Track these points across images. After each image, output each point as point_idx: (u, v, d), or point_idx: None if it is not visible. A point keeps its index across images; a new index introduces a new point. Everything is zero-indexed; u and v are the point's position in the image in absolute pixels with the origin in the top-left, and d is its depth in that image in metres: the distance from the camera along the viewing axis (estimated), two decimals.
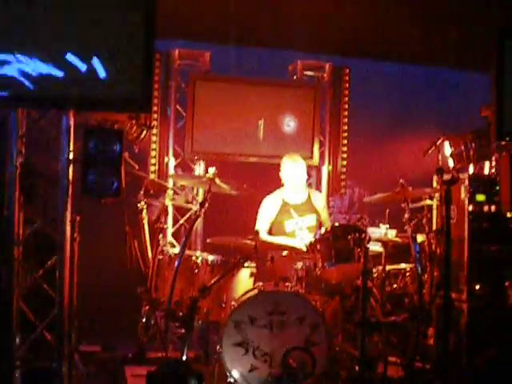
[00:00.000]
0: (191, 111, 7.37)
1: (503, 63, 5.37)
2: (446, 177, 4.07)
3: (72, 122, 4.65)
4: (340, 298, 5.62)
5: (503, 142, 5.93)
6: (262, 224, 6.35)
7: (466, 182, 6.10)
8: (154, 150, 7.32)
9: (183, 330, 5.33)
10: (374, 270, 5.94)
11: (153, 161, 7.31)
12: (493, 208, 6.10)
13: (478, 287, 6.01)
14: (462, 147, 6.45)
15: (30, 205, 4.83)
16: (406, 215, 5.70)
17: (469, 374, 5.68)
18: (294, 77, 7.93)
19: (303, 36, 7.05)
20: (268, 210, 6.40)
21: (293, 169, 6.37)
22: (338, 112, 7.95)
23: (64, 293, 4.66)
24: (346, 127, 7.94)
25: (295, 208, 6.31)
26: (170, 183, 7.17)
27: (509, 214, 5.90)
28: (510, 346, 5.75)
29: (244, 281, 5.59)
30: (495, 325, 5.85)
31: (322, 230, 5.49)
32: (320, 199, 6.60)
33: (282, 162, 6.47)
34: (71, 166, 4.64)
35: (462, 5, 6.69)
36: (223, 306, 5.35)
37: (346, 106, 7.94)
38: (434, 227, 6.31)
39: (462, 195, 6.12)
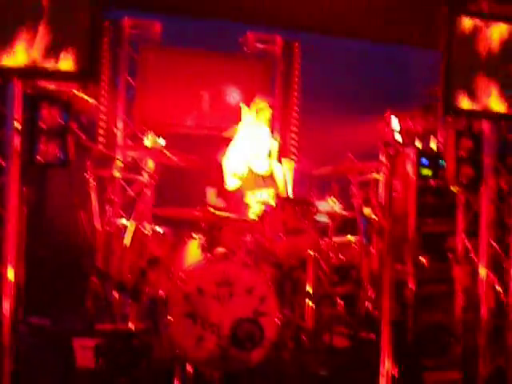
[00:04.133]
0: (141, 82, 7.30)
1: (452, 39, 5.44)
2: (391, 150, 4.12)
3: (18, 91, 4.55)
4: (288, 269, 5.68)
5: (450, 118, 6.04)
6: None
7: (413, 156, 6.20)
8: (102, 120, 7.23)
9: (132, 302, 5.32)
10: (322, 242, 6.03)
11: (101, 131, 7.22)
12: (438, 182, 6.22)
13: (422, 259, 6.14)
14: (410, 122, 6.54)
15: None
16: (353, 188, 5.77)
17: (413, 344, 5.83)
18: (245, 49, 7.90)
19: (254, 8, 7.01)
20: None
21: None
22: (289, 85, 7.97)
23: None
24: (295, 100, 7.97)
25: (260, 178, 6.29)
26: (119, 154, 7.09)
27: (454, 189, 6.02)
28: (451, 315, 5.92)
29: (193, 252, 5.60)
30: (438, 295, 6.00)
31: (271, 202, 5.53)
32: (280, 169, 6.49)
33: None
34: (17, 136, 4.55)
35: None
36: (172, 277, 5.35)
37: (296, 80, 7.97)
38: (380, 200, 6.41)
39: (409, 169, 6.22)
